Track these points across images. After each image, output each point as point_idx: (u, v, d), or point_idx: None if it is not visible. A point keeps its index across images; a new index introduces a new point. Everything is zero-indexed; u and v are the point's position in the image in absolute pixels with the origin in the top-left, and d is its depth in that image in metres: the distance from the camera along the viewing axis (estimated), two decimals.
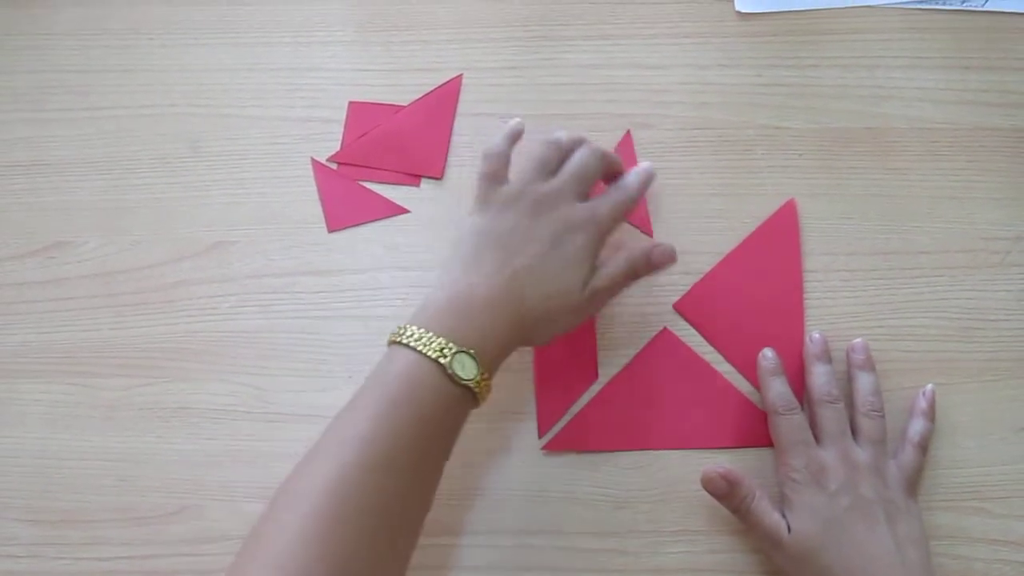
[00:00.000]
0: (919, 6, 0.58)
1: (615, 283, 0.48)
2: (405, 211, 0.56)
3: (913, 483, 0.48)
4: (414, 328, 0.42)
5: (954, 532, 0.49)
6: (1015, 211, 0.54)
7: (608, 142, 0.55)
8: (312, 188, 0.56)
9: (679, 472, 0.51)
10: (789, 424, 0.48)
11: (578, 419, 0.52)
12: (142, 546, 0.51)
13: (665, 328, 0.53)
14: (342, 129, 0.57)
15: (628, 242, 0.50)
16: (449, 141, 0.57)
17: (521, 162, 0.48)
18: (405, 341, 0.42)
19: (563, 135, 0.48)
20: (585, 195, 0.48)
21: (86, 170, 0.57)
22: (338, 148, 0.57)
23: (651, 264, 0.49)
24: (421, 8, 0.59)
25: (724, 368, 0.52)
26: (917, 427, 0.49)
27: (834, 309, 0.53)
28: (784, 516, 0.47)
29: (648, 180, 0.49)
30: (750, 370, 0.52)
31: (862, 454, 0.47)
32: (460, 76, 0.58)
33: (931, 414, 0.50)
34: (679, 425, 0.51)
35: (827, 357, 0.50)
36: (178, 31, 0.60)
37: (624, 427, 0.51)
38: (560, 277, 0.45)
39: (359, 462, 0.38)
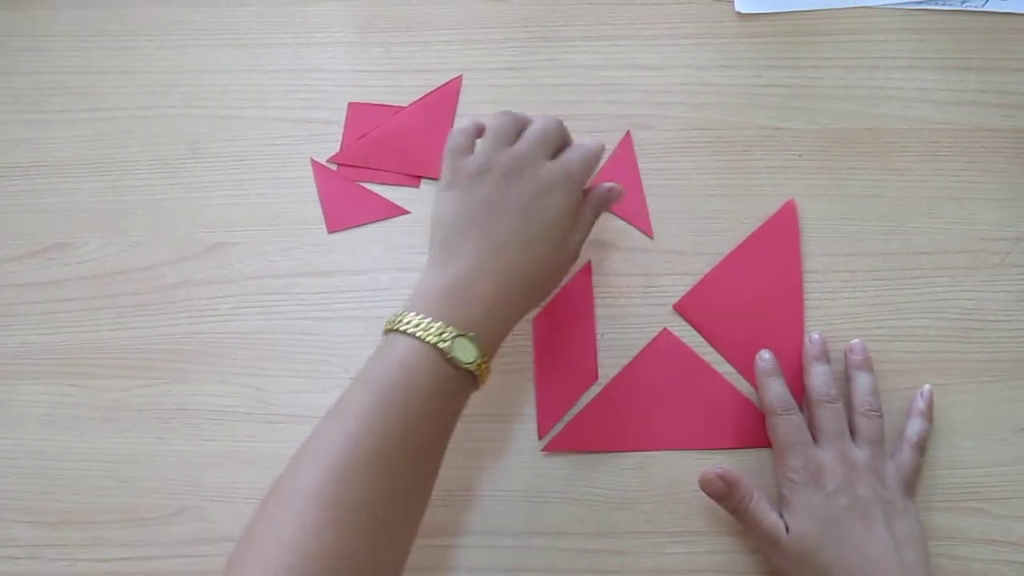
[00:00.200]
0: (919, 7, 0.58)
1: (590, 230, 0.49)
2: (405, 212, 0.56)
3: (911, 483, 0.48)
4: (411, 315, 0.42)
5: (953, 533, 0.49)
6: (1015, 212, 0.54)
7: (608, 142, 0.55)
8: (312, 189, 0.56)
9: (679, 473, 0.51)
10: (787, 424, 0.48)
11: (578, 420, 0.52)
12: (142, 547, 0.51)
13: (665, 329, 0.53)
14: (342, 130, 0.57)
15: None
16: None
17: (483, 136, 0.48)
18: (403, 328, 0.41)
19: (515, 111, 0.48)
20: (551, 157, 0.47)
21: (85, 171, 0.57)
22: (338, 149, 0.57)
23: (610, 204, 0.51)
24: (421, 9, 0.59)
25: (724, 369, 0.52)
26: (915, 427, 0.49)
27: (833, 310, 0.53)
28: (782, 516, 0.47)
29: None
30: (750, 371, 0.52)
31: (860, 454, 0.47)
32: (460, 77, 0.58)
33: (929, 414, 0.50)
34: (679, 426, 0.51)
35: (826, 358, 0.50)
36: (177, 32, 0.60)
37: (624, 428, 0.51)
38: (545, 239, 0.45)
39: (358, 451, 0.38)
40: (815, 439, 0.48)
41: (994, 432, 0.51)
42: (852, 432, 0.48)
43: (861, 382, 0.50)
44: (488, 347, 0.43)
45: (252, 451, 0.52)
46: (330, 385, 0.53)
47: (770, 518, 0.46)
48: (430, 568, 0.50)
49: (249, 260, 0.55)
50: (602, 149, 0.48)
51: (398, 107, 0.58)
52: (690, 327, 0.53)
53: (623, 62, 0.58)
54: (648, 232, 0.54)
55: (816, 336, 0.51)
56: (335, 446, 0.39)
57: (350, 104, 0.58)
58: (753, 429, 0.51)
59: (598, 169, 0.50)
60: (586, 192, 0.48)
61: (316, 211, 0.56)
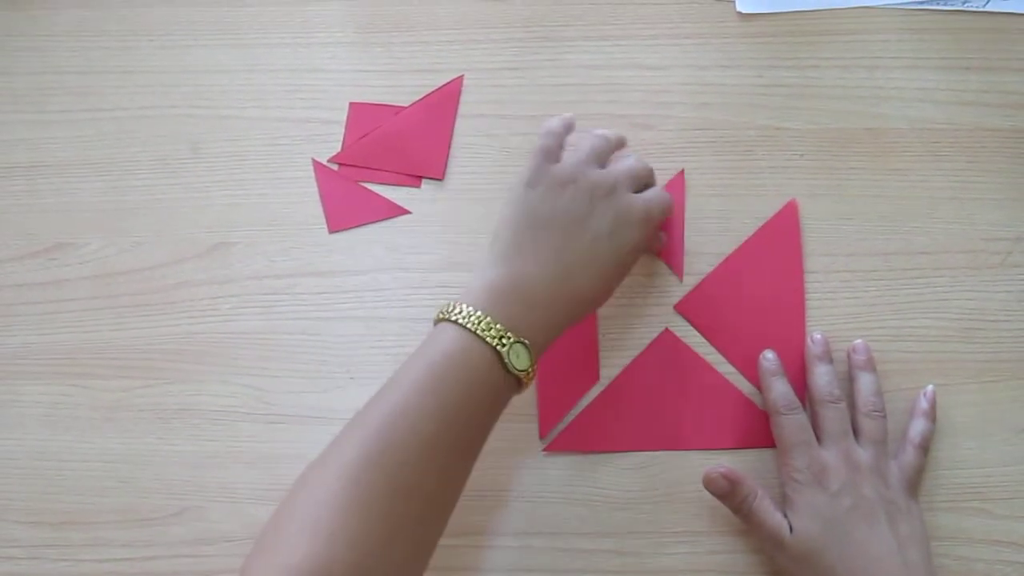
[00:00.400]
0: (920, 7, 0.58)
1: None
2: (406, 212, 0.56)
3: (914, 483, 0.48)
4: (470, 309, 0.42)
5: (955, 533, 0.49)
6: (1015, 212, 0.54)
7: None
8: (313, 189, 0.56)
9: (680, 473, 0.51)
10: (791, 424, 0.48)
11: (579, 420, 0.52)
12: (143, 547, 0.51)
13: (666, 329, 0.53)
14: (343, 130, 0.57)
15: None
16: (450, 142, 0.57)
17: (572, 150, 0.48)
18: (462, 321, 0.41)
19: (612, 132, 0.50)
20: (632, 187, 0.48)
21: (86, 171, 0.57)
22: (339, 149, 0.57)
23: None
24: (422, 9, 0.59)
25: (725, 369, 0.52)
26: (918, 427, 0.49)
27: (835, 310, 0.53)
28: (786, 516, 0.47)
29: None
30: (751, 371, 0.52)
31: (864, 454, 0.47)
32: (461, 77, 0.58)
33: (932, 415, 0.50)
34: (680, 426, 0.51)
35: (828, 357, 0.50)
36: (178, 32, 0.60)
37: (625, 428, 0.51)
38: (611, 266, 0.46)
39: (400, 439, 0.38)
40: (819, 439, 0.48)
41: (996, 432, 0.51)
42: (855, 432, 0.48)
43: (864, 382, 0.50)
44: (536, 356, 0.43)
45: (253, 451, 0.52)
46: (331, 385, 0.53)
47: (774, 518, 0.46)
48: (430, 568, 0.49)
49: (250, 260, 0.55)
50: (672, 201, 0.50)
51: (399, 107, 0.58)
52: (692, 327, 0.53)
53: (624, 62, 0.58)
54: (679, 274, 0.54)
55: (819, 336, 0.51)
56: (376, 432, 0.39)
57: (351, 104, 0.58)
58: (755, 429, 0.51)
59: None
60: None
61: (317, 211, 0.56)
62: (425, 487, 0.39)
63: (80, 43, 0.60)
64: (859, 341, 0.51)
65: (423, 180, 0.57)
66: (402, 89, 0.58)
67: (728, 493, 0.47)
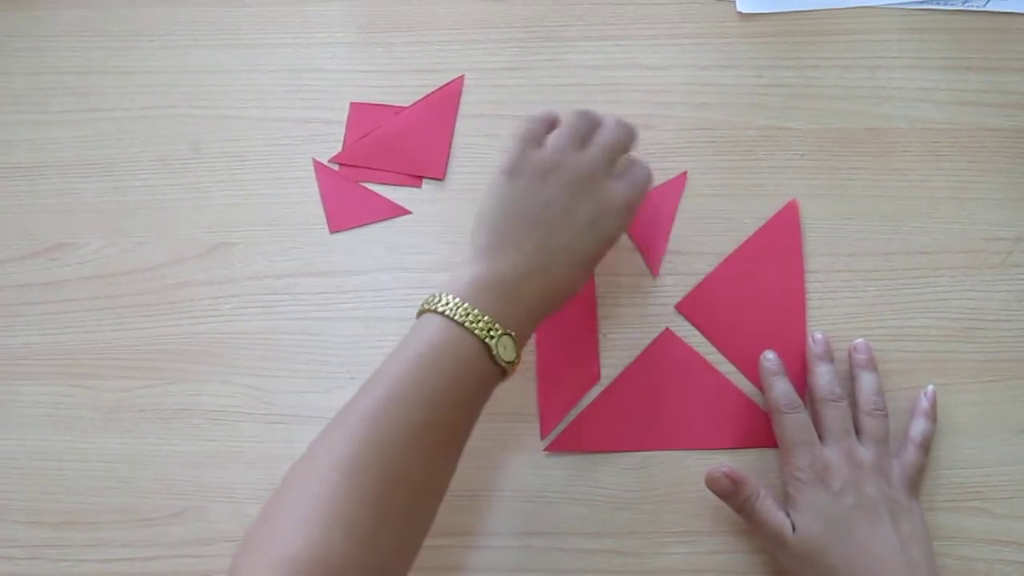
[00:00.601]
0: (920, 6, 0.58)
1: None
2: (407, 212, 0.56)
3: (915, 483, 0.48)
4: (457, 300, 0.42)
5: (956, 532, 0.49)
6: (1016, 211, 0.54)
7: None
8: (313, 189, 0.56)
9: (681, 473, 0.51)
10: (793, 423, 0.48)
11: (580, 420, 0.52)
12: (143, 548, 0.51)
13: (667, 329, 0.53)
14: (343, 130, 0.57)
15: None
16: (451, 142, 0.57)
17: (554, 133, 0.48)
18: (449, 313, 0.41)
19: (591, 110, 0.49)
20: (613, 168, 0.48)
21: (87, 172, 0.57)
22: (339, 149, 0.57)
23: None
24: (422, 9, 0.59)
25: (726, 369, 0.52)
26: (919, 427, 0.49)
27: (835, 309, 0.53)
28: (788, 516, 0.47)
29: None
30: (752, 371, 0.52)
31: (866, 453, 0.47)
32: (462, 77, 0.58)
33: (933, 414, 0.50)
34: (681, 426, 0.51)
35: (829, 357, 0.50)
36: (178, 33, 0.60)
37: (626, 428, 0.51)
38: (590, 254, 0.46)
39: (391, 428, 0.39)
40: (820, 438, 0.48)
41: (996, 432, 0.51)
42: (857, 431, 0.48)
43: (865, 381, 0.50)
44: (521, 346, 0.43)
45: (254, 451, 0.52)
46: (331, 385, 0.53)
47: (776, 517, 0.46)
48: (431, 568, 0.49)
49: (251, 260, 0.55)
50: (652, 176, 0.50)
51: (400, 107, 0.58)
52: (692, 327, 0.53)
53: (624, 62, 0.58)
54: (654, 270, 0.54)
55: (819, 336, 0.51)
56: (365, 422, 0.39)
57: (352, 104, 0.58)
58: (755, 429, 0.51)
59: None
60: None
61: (318, 211, 0.56)
62: (413, 477, 0.39)
63: (81, 43, 0.60)
64: (860, 340, 0.51)
65: (424, 180, 0.57)
66: (402, 89, 0.58)
67: (731, 493, 0.47)
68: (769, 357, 0.50)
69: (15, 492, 0.52)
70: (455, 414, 0.41)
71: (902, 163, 0.55)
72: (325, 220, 0.56)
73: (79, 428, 0.53)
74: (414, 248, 0.55)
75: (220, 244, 0.56)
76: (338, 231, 0.56)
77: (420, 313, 0.43)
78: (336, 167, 0.57)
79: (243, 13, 0.60)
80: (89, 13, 0.60)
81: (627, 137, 0.49)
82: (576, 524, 0.50)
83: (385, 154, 0.57)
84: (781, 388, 0.49)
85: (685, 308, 0.53)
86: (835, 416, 0.48)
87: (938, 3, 0.58)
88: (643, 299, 0.53)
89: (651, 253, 0.54)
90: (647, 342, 0.53)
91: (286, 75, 0.59)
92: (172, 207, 0.56)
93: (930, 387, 0.51)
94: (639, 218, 0.52)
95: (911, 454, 0.48)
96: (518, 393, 0.52)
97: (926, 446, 0.49)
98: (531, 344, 0.53)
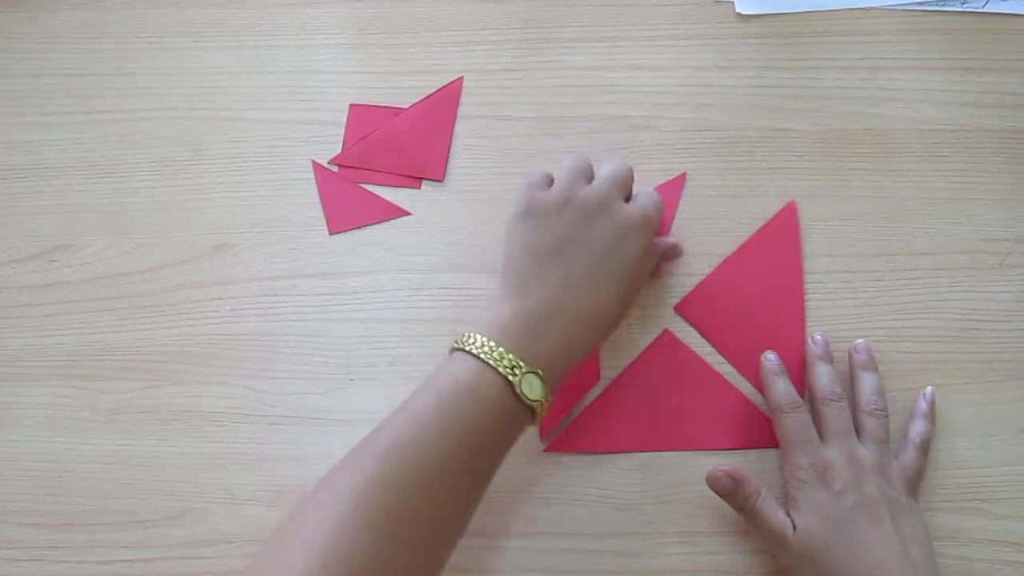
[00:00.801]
0: (919, 8, 0.58)
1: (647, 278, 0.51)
2: (406, 213, 0.56)
3: (915, 484, 0.48)
4: (484, 339, 0.42)
5: (955, 533, 0.49)
6: (1015, 212, 0.54)
7: (607, 145, 0.56)
8: (313, 191, 0.56)
9: (680, 474, 0.51)
10: (794, 422, 0.48)
11: (580, 421, 0.52)
12: (144, 549, 0.51)
13: (667, 330, 0.53)
14: (343, 132, 0.57)
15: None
16: (450, 143, 0.57)
17: (557, 176, 0.48)
18: (476, 352, 0.41)
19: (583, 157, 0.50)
20: (625, 199, 0.49)
21: (87, 173, 0.57)
22: (339, 151, 0.57)
23: (671, 259, 0.53)
24: (421, 11, 0.60)
25: (725, 369, 0.52)
26: (918, 428, 0.49)
27: (835, 310, 0.53)
28: (789, 515, 0.47)
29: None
30: (751, 372, 0.52)
31: (867, 453, 0.47)
32: (461, 79, 0.58)
33: (932, 416, 0.50)
34: (680, 427, 0.51)
35: (829, 357, 0.50)
36: (178, 34, 0.60)
37: (626, 429, 0.51)
38: (619, 280, 0.46)
39: (408, 464, 0.38)
40: (821, 438, 0.48)
41: (995, 433, 0.51)
42: (857, 431, 0.48)
43: (866, 382, 0.50)
44: (551, 386, 0.43)
45: (253, 453, 0.52)
46: (331, 386, 0.53)
47: (777, 516, 0.46)
48: None
49: (250, 262, 0.55)
50: (662, 201, 0.50)
51: (399, 108, 0.58)
52: (692, 328, 0.53)
53: (623, 63, 0.58)
54: (654, 272, 0.53)
55: (819, 337, 0.51)
56: (383, 455, 0.38)
57: (351, 106, 0.58)
58: (755, 430, 0.51)
59: None
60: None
61: (317, 213, 0.56)
62: (424, 514, 0.39)
63: (81, 45, 0.60)
64: (861, 341, 0.51)
65: (423, 181, 0.57)
66: (402, 91, 0.58)
67: (732, 491, 0.47)
68: (770, 357, 0.50)
69: (15, 494, 0.52)
70: (474, 453, 0.40)
71: (901, 164, 0.55)
72: (324, 221, 0.56)
73: (79, 430, 0.53)
74: (413, 249, 0.55)
75: (220, 246, 0.56)
76: (337, 232, 0.56)
77: (451, 351, 0.43)
78: (335, 168, 0.57)
79: (243, 15, 0.60)
80: (89, 15, 0.60)
81: (627, 171, 0.49)
82: (575, 525, 0.50)
83: (384, 155, 0.57)
84: (782, 388, 0.49)
85: (684, 309, 0.53)
86: (836, 416, 0.48)
87: (937, 4, 0.58)
88: (642, 300, 0.53)
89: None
90: (647, 343, 0.53)
91: (286, 77, 0.59)
92: (172, 209, 0.56)
93: (929, 388, 0.51)
94: None
95: (910, 455, 0.48)
96: None
97: (925, 447, 0.49)
98: None
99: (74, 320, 0.55)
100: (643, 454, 0.51)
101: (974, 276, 0.53)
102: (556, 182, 0.48)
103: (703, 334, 0.53)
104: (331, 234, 0.56)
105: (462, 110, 0.58)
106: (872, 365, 0.50)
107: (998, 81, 0.56)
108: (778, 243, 0.54)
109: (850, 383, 0.51)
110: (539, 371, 0.42)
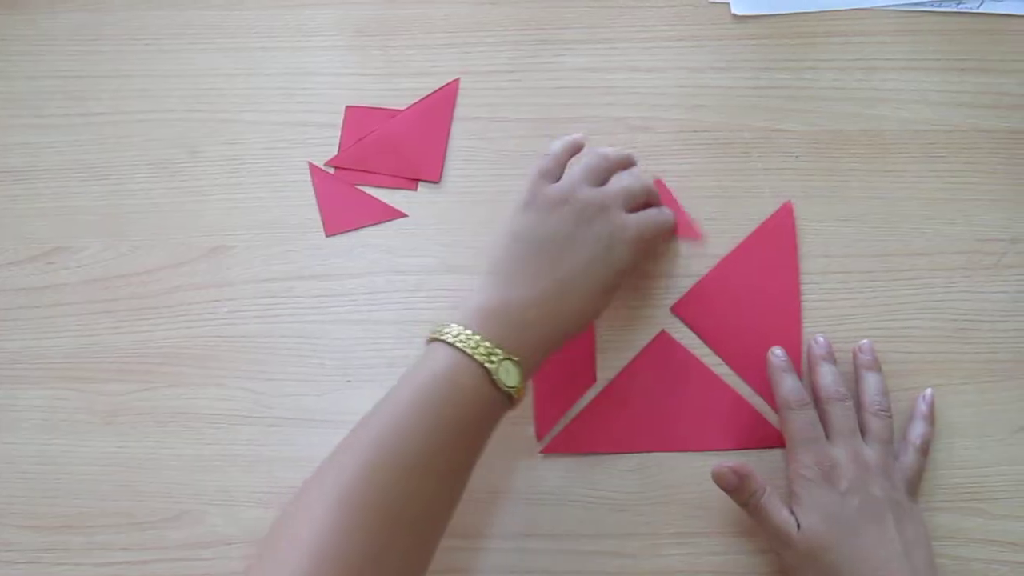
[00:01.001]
0: (915, 8, 0.58)
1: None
2: (403, 215, 0.56)
3: (915, 485, 0.48)
4: (460, 328, 0.42)
5: (953, 532, 0.49)
6: (1011, 213, 0.54)
7: (606, 145, 0.56)
8: (309, 192, 0.57)
9: (677, 475, 0.51)
10: (801, 420, 0.48)
11: (576, 422, 0.52)
12: (141, 551, 0.51)
13: (663, 331, 0.53)
14: (339, 133, 0.57)
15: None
16: (446, 145, 0.57)
17: (568, 171, 0.49)
18: (451, 340, 0.42)
19: (613, 151, 0.50)
20: (629, 211, 0.49)
21: (84, 175, 0.57)
22: (335, 152, 0.57)
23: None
24: (417, 12, 0.60)
25: (722, 370, 0.52)
26: (918, 430, 0.49)
27: (831, 311, 0.53)
28: (793, 513, 0.47)
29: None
30: (748, 372, 0.52)
31: (872, 454, 0.47)
32: (457, 80, 0.58)
33: (931, 417, 0.50)
34: (677, 428, 0.51)
35: (832, 358, 0.50)
36: (175, 37, 0.60)
37: (622, 430, 0.51)
38: (602, 283, 0.46)
39: (392, 457, 0.39)
40: (826, 437, 0.48)
41: (992, 433, 0.51)
42: (861, 431, 0.48)
43: (870, 382, 0.50)
44: (527, 373, 0.43)
45: (251, 454, 0.52)
46: (328, 388, 0.53)
47: (781, 514, 0.46)
48: (429, 571, 0.49)
49: (247, 264, 0.55)
50: (674, 224, 0.51)
51: (395, 110, 0.58)
52: (688, 329, 0.53)
53: (620, 65, 0.58)
54: (698, 236, 0.54)
55: (821, 339, 0.51)
56: (367, 450, 0.39)
57: (347, 108, 0.58)
58: (752, 430, 0.51)
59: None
60: None
61: (314, 214, 0.56)
62: (412, 507, 0.39)
63: (78, 47, 0.60)
64: (865, 341, 0.51)
65: (419, 183, 0.57)
66: (398, 92, 0.58)
67: (736, 488, 0.47)
68: (777, 353, 0.50)
69: (13, 496, 0.52)
70: (456, 442, 0.41)
71: (897, 165, 0.55)
72: (321, 223, 0.56)
73: (76, 432, 0.53)
74: (410, 251, 0.55)
75: (217, 248, 0.56)
76: (334, 234, 0.56)
77: (428, 342, 0.43)
78: (332, 170, 0.57)
79: (239, 17, 0.60)
80: (86, 17, 0.60)
81: (641, 188, 0.50)
82: (573, 526, 0.50)
83: (381, 157, 0.57)
84: (790, 384, 0.49)
85: (681, 310, 0.53)
86: (841, 415, 0.48)
87: (933, 5, 0.58)
88: (639, 301, 0.53)
89: (685, 228, 0.54)
90: (643, 344, 0.53)
91: (282, 79, 0.59)
92: (169, 211, 0.56)
93: (928, 391, 0.50)
94: None
95: (911, 457, 0.48)
96: None
97: (925, 449, 0.49)
98: None
99: (71, 322, 0.55)
100: (640, 455, 0.51)
101: (971, 276, 0.53)
102: (564, 176, 0.48)
103: (699, 335, 0.53)
104: (328, 236, 0.56)
105: (459, 112, 0.58)
106: (876, 365, 0.50)
107: (994, 82, 0.56)
108: (774, 244, 0.54)
109: (854, 383, 0.50)
110: (516, 358, 0.42)
